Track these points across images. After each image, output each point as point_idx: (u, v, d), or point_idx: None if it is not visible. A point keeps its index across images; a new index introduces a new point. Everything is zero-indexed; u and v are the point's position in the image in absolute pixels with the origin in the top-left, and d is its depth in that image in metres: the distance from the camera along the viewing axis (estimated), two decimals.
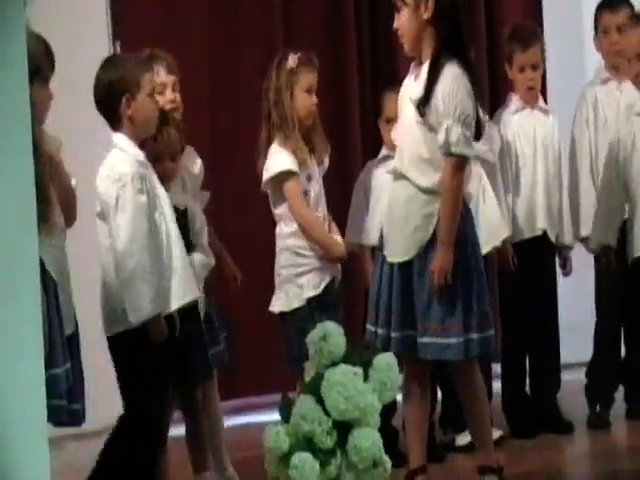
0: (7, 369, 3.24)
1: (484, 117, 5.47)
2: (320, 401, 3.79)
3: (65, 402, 4.52)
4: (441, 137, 4.88)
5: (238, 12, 7.74)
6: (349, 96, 7.45)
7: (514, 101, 6.41)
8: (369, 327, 5.13)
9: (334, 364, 3.86)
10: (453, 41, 5.04)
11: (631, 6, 6.61)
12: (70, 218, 4.81)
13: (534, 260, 6.17)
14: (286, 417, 3.86)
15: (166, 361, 5.13)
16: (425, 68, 5.06)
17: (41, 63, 4.26)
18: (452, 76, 4.93)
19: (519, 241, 6.10)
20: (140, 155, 5.09)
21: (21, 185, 3.31)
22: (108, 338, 5.05)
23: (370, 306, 5.18)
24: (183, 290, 5.03)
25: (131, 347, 4.87)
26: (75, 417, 4.65)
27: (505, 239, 5.88)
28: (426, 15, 4.90)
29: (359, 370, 3.85)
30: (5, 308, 3.22)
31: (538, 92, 6.59)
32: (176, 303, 4.99)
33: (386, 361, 3.94)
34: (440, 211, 4.98)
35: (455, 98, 4.95)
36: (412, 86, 5.09)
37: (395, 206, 5.09)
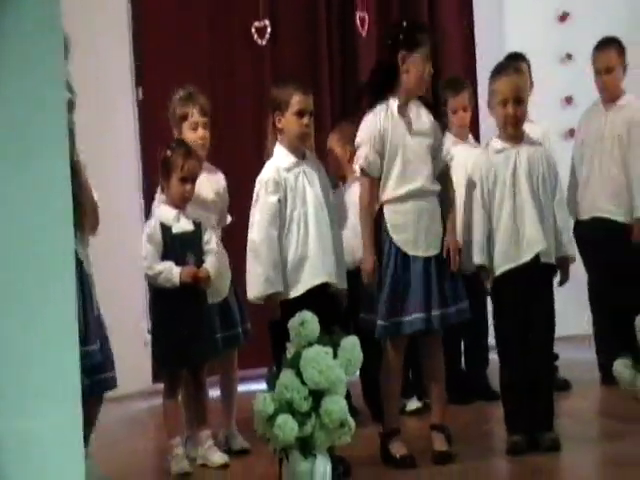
0: (46, 346, 3.30)
1: None
2: (299, 374, 4.00)
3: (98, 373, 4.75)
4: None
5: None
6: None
7: (448, 136, 6.48)
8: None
9: (310, 345, 4.07)
10: None
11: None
12: (95, 227, 5.04)
13: None
14: (272, 386, 4.04)
15: None
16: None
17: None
18: None
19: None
20: (283, 162, 5.43)
21: (60, 192, 3.39)
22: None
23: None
24: (313, 274, 5.37)
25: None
26: (110, 383, 4.94)
27: None
28: None
29: (329, 350, 4.04)
30: (46, 301, 3.32)
31: (468, 129, 7.06)
32: (307, 284, 5.34)
33: (351, 342, 4.12)
34: None
35: None
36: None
37: None
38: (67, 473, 3.46)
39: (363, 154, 5.48)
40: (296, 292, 5.40)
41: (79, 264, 4.26)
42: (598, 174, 7.14)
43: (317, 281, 5.40)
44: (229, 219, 6.06)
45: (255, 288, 5.43)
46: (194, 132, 5.94)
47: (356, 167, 5.67)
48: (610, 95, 7.21)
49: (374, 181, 5.49)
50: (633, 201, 7.00)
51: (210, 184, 6.04)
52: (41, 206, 3.36)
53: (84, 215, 4.77)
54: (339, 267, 5.50)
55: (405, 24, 5.70)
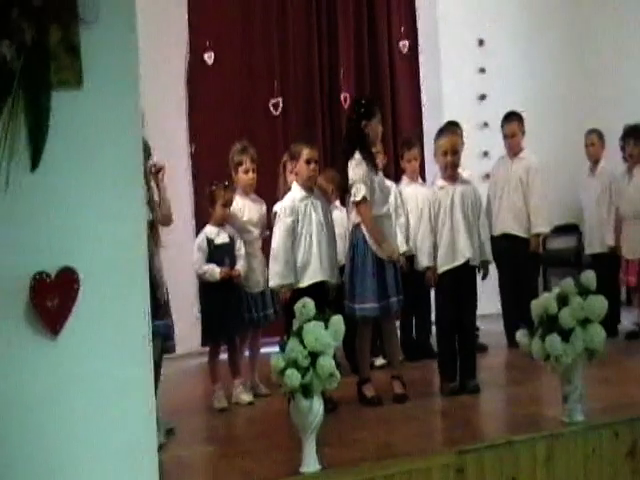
0: (125, 323, 3.36)
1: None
2: (301, 341, 3.91)
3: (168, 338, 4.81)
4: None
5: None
6: None
7: (404, 179, 6.79)
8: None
9: (309, 320, 3.97)
10: None
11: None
12: (168, 222, 5.10)
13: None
14: (283, 350, 3.97)
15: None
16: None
17: None
18: None
19: None
20: (297, 195, 5.47)
21: (136, 222, 3.44)
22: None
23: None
24: (314, 273, 5.42)
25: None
26: (171, 348, 4.95)
27: None
28: None
29: (322, 324, 3.96)
30: (131, 294, 3.39)
31: (417, 174, 7.05)
32: (309, 280, 5.41)
33: (338, 319, 4.02)
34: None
35: None
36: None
37: None
38: (142, 416, 3.46)
39: (363, 188, 5.40)
40: (302, 285, 5.43)
41: (151, 258, 4.15)
42: (506, 204, 7.17)
43: (317, 279, 5.45)
44: (267, 233, 6.00)
45: (274, 280, 5.49)
46: (246, 174, 5.95)
47: (353, 199, 5.48)
48: (513, 151, 7.26)
49: (370, 204, 5.44)
50: (531, 223, 7.05)
51: (256, 209, 6.05)
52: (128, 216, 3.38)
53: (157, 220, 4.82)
54: (333, 269, 5.51)
55: (363, 101, 5.69)
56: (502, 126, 7.30)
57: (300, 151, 5.52)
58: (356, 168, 5.42)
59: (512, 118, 7.25)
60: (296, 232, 5.47)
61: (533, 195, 7.11)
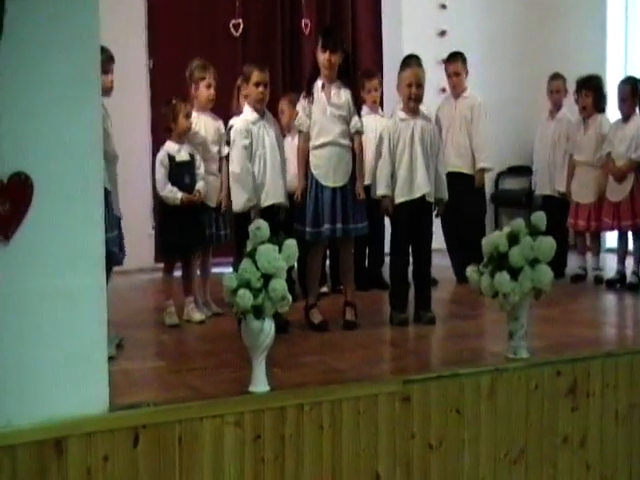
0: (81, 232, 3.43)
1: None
2: (254, 262, 3.88)
3: (117, 250, 4.81)
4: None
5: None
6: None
7: (364, 109, 6.56)
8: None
9: (262, 243, 3.94)
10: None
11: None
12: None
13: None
14: (236, 270, 3.94)
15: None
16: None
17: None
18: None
19: None
20: (250, 117, 5.44)
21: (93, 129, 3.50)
22: None
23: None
24: (268, 196, 5.42)
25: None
26: (120, 261, 4.98)
27: None
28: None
29: (276, 247, 3.94)
30: (85, 204, 3.45)
31: (378, 104, 6.99)
32: (264, 202, 5.41)
33: (291, 243, 4.01)
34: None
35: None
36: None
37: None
38: (93, 325, 3.48)
39: (298, 119, 5.49)
40: (259, 206, 5.43)
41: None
42: (450, 143, 7.16)
43: (271, 201, 5.46)
44: (225, 150, 5.89)
45: (240, 204, 5.46)
46: (208, 89, 5.91)
47: (296, 125, 5.61)
48: (457, 90, 7.29)
49: (306, 135, 5.47)
50: (475, 159, 7.12)
51: (214, 126, 5.99)
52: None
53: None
54: (284, 192, 5.51)
55: (320, 32, 5.80)
56: (445, 66, 7.32)
57: (250, 73, 5.50)
58: (300, 99, 5.52)
59: (456, 58, 7.25)
60: (252, 154, 5.45)
61: (477, 132, 7.15)
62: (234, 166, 5.49)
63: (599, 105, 7.22)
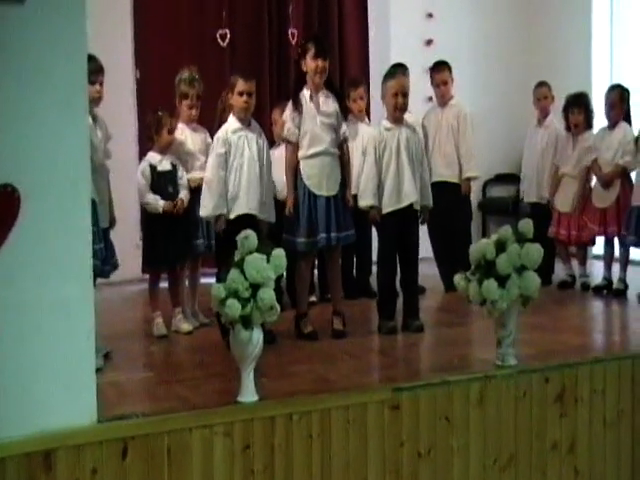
0: (67, 243, 3.41)
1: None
2: (242, 272, 3.86)
3: (99, 264, 4.72)
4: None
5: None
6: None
7: (350, 118, 6.63)
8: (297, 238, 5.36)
9: (250, 252, 3.92)
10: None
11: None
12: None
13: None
14: (224, 280, 3.90)
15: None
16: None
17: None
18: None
19: None
20: (231, 127, 5.37)
21: (81, 141, 3.48)
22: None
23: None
24: (240, 206, 5.31)
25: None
26: (106, 273, 5.00)
27: None
28: None
29: (264, 256, 3.92)
30: (72, 215, 3.44)
31: (364, 112, 7.00)
32: (236, 212, 5.31)
33: (279, 253, 3.98)
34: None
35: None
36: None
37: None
38: (81, 336, 3.46)
39: (286, 130, 5.48)
40: (231, 216, 5.35)
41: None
42: (437, 152, 7.18)
43: (243, 211, 5.37)
44: None
45: (207, 210, 5.40)
46: (189, 110, 5.91)
47: (283, 135, 5.60)
48: (444, 99, 7.26)
49: (295, 146, 5.45)
50: (462, 168, 7.11)
51: (199, 138, 5.99)
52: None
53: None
54: (262, 204, 5.43)
55: (303, 42, 5.71)
56: (432, 75, 7.30)
57: (235, 83, 5.45)
58: (287, 110, 5.50)
59: (442, 66, 7.24)
60: (228, 164, 5.38)
61: (464, 141, 7.14)
62: (207, 172, 5.46)
63: (590, 122, 7.28)
